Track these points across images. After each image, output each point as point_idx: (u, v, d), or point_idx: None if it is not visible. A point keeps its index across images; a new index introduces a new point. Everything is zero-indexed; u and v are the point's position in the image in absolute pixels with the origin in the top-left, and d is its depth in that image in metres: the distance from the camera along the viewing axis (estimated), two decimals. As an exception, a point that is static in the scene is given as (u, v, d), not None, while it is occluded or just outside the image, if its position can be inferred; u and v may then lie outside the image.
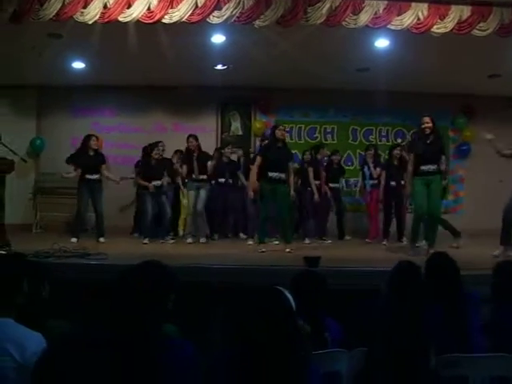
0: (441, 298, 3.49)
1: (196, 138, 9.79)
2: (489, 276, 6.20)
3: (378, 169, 10.46)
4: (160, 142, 10.14)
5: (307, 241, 9.95)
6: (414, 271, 3.75)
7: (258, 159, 8.44)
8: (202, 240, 9.68)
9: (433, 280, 3.68)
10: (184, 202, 10.50)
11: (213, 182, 10.29)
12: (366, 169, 10.69)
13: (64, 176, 9.73)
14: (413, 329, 2.41)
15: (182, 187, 10.46)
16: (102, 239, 9.45)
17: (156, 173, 9.82)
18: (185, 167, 9.81)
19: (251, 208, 10.47)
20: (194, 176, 9.68)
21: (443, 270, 3.71)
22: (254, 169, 8.44)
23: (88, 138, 9.64)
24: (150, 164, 9.91)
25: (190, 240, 9.66)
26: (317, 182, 10.39)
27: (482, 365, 2.96)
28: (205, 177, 9.76)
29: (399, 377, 2.32)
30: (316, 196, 10.14)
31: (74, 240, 9.01)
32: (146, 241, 9.45)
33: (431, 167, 7.79)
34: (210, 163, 9.76)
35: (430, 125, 7.81)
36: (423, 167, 7.79)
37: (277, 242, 9.25)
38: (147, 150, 10.57)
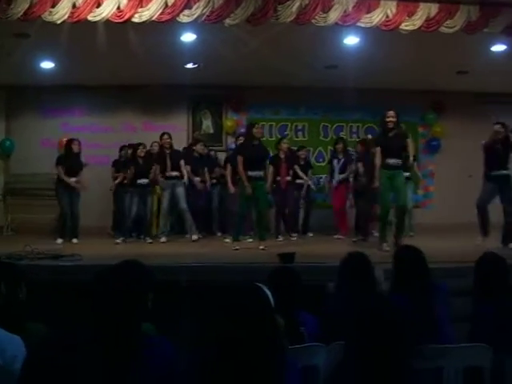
0: (408, 290, 3.55)
1: (170, 136, 9.86)
2: (457, 269, 6.36)
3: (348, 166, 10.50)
4: (142, 143, 10.19)
5: (280, 238, 9.98)
6: (363, 261, 3.87)
7: (240, 158, 8.40)
8: (194, 237, 9.64)
9: (401, 272, 3.77)
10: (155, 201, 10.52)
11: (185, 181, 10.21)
12: (335, 162, 10.74)
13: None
14: (376, 319, 2.44)
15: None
16: (75, 240, 9.43)
17: (143, 171, 9.86)
18: (157, 166, 9.86)
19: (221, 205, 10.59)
20: (167, 174, 9.71)
21: (410, 261, 3.78)
22: (241, 170, 8.36)
23: (70, 141, 9.78)
24: (137, 163, 9.93)
25: (163, 239, 9.62)
26: (278, 178, 10.32)
27: (456, 355, 3.01)
28: (178, 173, 9.76)
29: (373, 369, 2.35)
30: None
31: (59, 241, 9.11)
32: (119, 240, 9.47)
33: (395, 161, 7.90)
34: (182, 162, 9.84)
35: (394, 119, 7.91)
36: (388, 160, 7.89)
37: (250, 240, 9.29)
38: (129, 150, 10.59)
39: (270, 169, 10.18)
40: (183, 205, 9.72)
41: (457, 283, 5.94)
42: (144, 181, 9.83)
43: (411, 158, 8.83)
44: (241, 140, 10.10)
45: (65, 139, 11.47)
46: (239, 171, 8.45)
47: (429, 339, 2.92)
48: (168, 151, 9.76)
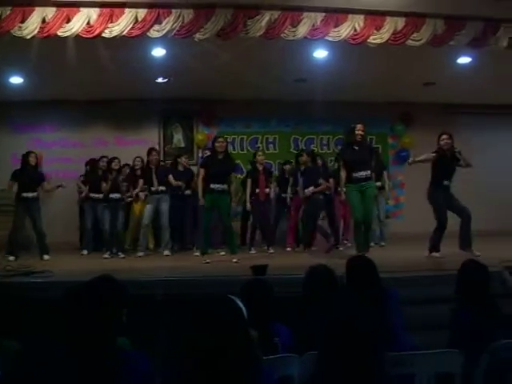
0: (359, 298, 3.63)
1: (158, 152, 9.96)
2: (429, 277, 6.47)
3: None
4: (116, 157, 10.05)
5: (253, 251, 9.98)
6: (326, 273, 3.97)
7: (201, 171, 8.49)
8: (167, 253, 9.65)
9: (351, 281, 3.89)
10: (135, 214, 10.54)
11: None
12: (298, 175, 10.69)
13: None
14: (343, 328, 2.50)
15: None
16: (46, 257, 9.20)
17: (116, 186, 9.79)
18: (141, 181, 9.86)
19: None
20: (153, 189, 9.69)
21: (360, 270, 3.90)
22: (200, 182, 8.48)
23: (27, 154, 9.46)
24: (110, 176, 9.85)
25: (141, 253, 9.60)
26: (257, 191, 10.20)
27: (428, 362, 3.05)
28: (164, 188, 9.77)
29: (346, 379, 2.39)
30: (248, 206, 10.13)
31: (11, 258, 8.82)
32: (106, 255, 9.49)
33: (363, 173, 7.97)
34: (171, 177, 9.89)
35: (363, 133, 8.02)
36: (355, 174, 7.96)
37: (223, 253, 9.29)
38: (95, 164, 10.55)
39: (248, 181, 10.19)
40: (165, 222, 9.76)
41: (428, 291, 6.08)
42: (116, 195, 9.73)
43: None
44: (206, 153, 10.17)
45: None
46: (198, 183, 8.60)
47: (383, 346, 2.96)
48: (154, 167, 9.76)
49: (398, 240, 10.86)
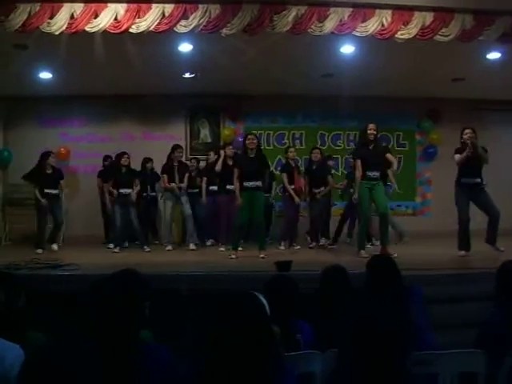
0: (381, 296, 3.62)
1: (183, 150, 10.14)
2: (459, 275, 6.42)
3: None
4: (125, 152, 10.09)
5: (282, 246, 9.98)
6: (339, 274, 4.08)
7: (236, 171, 8.56)
8: (192, 247, 9.73)
9: (374, 281, 3.88)
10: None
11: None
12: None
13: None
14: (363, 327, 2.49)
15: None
16: (55, 246, 9.63)
17: (126, 181, 9.83)
18: (166, 176, 9.91)
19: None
20: (172, 185, 9.80)
21: (381, 269, 3.91)
22: (236, 182, 8.56)
23: (46, 155, 9.72)
24: (120, 172, 9.91)
25: (169, 247, 9.72)
26: (293, 187, 10.13)
27: (451, 361, 3.02)
28: (182, 185, 9.88)
29: (369, 376, 2.38)
30: (296, 199, 9.98)
31: (39, 251, 9.07)
32: (116, 250, 9.50)
33: (375, 173, 8.04)
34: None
35: (375, 132, 8.05)
36: (369, 173, 8.01)
37: (240, 249, 9.27)
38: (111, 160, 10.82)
39: (284, 177, 10.17)
40: (188, 213, 9.90)
41: (454, 290, 6.02)
42: (126, 190, 9.76)
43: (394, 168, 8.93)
44: (230, 149, 10.41)
45: (63, 149, 11.57)
46: (234, 182, 8.65)
47: (406, 345, 2.94)
48: (176, 164, 9.85)
49: (425, 238, 10.75)
